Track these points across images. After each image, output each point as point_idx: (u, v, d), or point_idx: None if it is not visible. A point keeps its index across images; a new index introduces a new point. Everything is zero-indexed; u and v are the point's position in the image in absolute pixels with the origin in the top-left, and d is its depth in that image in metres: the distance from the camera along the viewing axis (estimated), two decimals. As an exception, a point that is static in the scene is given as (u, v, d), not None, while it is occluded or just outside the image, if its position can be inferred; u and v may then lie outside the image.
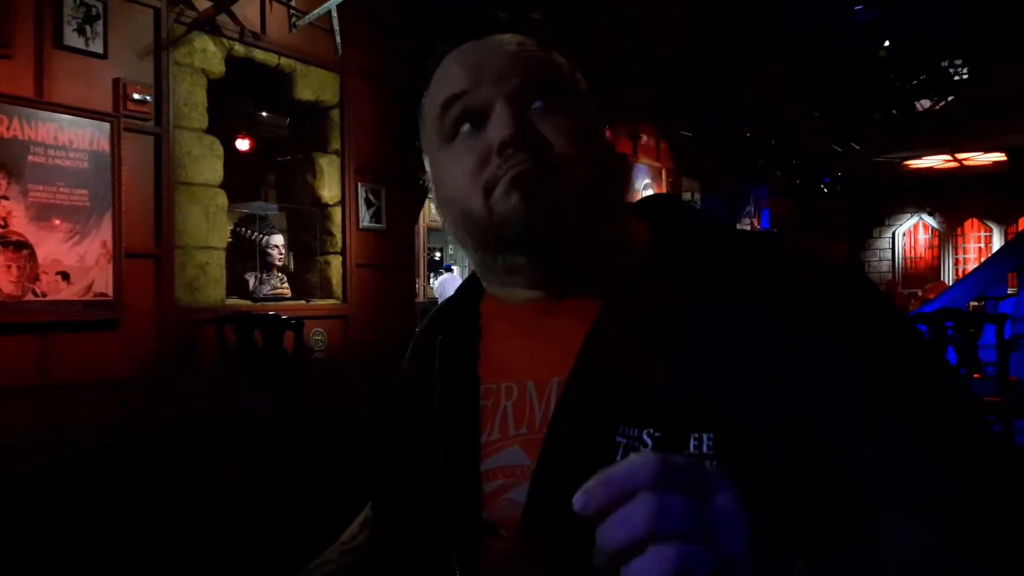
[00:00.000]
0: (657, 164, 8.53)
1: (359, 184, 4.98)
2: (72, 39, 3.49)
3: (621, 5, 5.11)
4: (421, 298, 8.79)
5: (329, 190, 4.88)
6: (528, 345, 0.81)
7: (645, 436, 0.68)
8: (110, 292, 3.58)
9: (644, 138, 8.21)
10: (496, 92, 0.76)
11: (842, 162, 9.46)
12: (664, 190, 8.27)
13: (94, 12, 3.56)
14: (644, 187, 8.18)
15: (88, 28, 3.54)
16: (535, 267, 0.79)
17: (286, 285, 4.87)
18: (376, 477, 0.95)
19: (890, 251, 15.00)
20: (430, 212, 10.08)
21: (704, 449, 0.65)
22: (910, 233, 15.08)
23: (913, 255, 15.18)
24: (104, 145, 3.57)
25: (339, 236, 4.92)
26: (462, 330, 0.87)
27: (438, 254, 12.46)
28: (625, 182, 0.85)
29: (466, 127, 0.78)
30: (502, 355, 0.83)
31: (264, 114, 6.47)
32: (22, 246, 3.28)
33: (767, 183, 10.48)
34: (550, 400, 0.76)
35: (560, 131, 0.75)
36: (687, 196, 8.66)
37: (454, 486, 0.78)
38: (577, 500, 0.47)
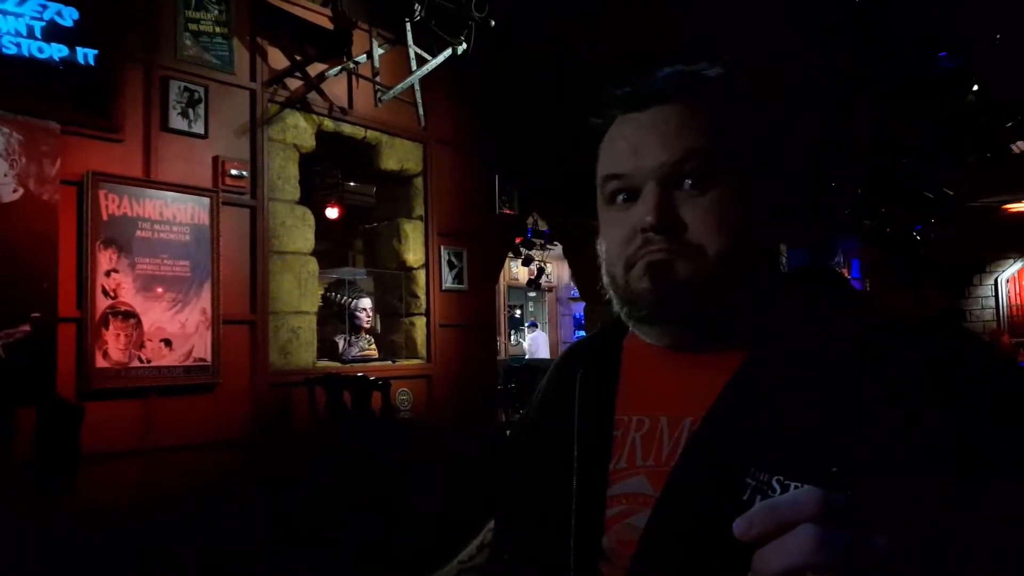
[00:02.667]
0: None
1: (442, 247, 5.12)
2: (176, 122, 3.76)
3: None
4: (503, 355, 8.86)
5: (414, 253, 5.03)
6: (665, 384, 0.85)
7: (774, 482, 0.70)
8: (208, 357, 3.75)
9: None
10: (648, 173, 0.80)
11: (936, 209, 9.14)
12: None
13: (196, 96, 3.83)
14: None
15: (191, 111, 3.81)
16: (665, 338, 0.85)
17: (373, 346, 5.01)
18: (505, 498, 0.99)
19: (993, 299, 14.27)
20: (510, 271, 10.17)
21: None
22: (1014, 279, 14.34)
23: (1019, 302, 14.39)
24: (204, 218, 3.80)
25: (423, 297, 5.04)
26: (602, 365, 0.91)
27: (518, 311, 12.55)
28: (774, 255, 0.88)
29: (621, 198, 0.84)
30: (639, 390, 0.87)
31: (352, 184, 6.75)
32: (130, 316, 3.50)
33: (856, 233, 10.19)
34: (680, 437, 0.80)
35: (701, 215, 0.79)
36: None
37: (581, 509, 0.82)
38: (738, 525, 0.51)
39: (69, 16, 3.34)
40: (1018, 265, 14.06)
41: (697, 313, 0.80)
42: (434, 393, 4.97)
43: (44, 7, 3.28)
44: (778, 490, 0.69)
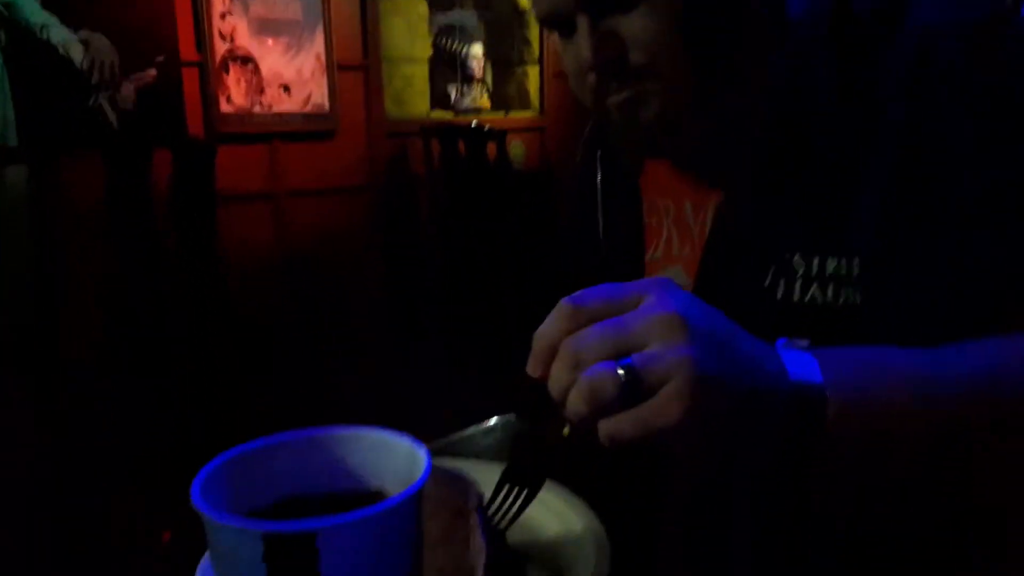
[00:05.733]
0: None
1: (557, -12, 4.78)
2: None
3: None
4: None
5: (527, -5, 4.73)
6: (688, 164, 0.80)
7: (796, 261, 0.68)
8: (326, 104, 3.77)
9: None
10: (572, 4, 0.68)
11: None
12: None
13: None
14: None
15: None
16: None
17: (486, 97, 4.90)
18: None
19: None
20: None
21: (855, 273, 0.65)
22: None
23: None
24: (312, -44, 3.63)
25: (535, 45, 4.81)
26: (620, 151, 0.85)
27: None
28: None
29: (560, 33, 0.73)
30: (663, 172, 0.82)
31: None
32: (247, 60, 3.49)
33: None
34: (706, 222, 0.76)
35: (640, 35, 0.68)
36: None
37: None
38: (528, 366, 0.51)
39: None
40: None
41: (680, 143, 0.73)
42: (546, 147, 4.90)
43: None
44: (801, 269, 0.67)
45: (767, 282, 0.69)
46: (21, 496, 2.20)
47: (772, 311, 0.69)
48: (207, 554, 0.67)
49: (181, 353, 2.88)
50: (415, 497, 0.40)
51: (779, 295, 0.69)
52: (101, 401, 2.63)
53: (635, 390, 0.46)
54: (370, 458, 0.46)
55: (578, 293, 0.50)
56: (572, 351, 0.48)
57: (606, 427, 0.48)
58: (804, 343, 0.55)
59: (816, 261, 0.67)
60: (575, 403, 0.48)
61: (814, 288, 0.67)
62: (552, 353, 0.50)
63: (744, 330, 0.53)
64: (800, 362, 0.52)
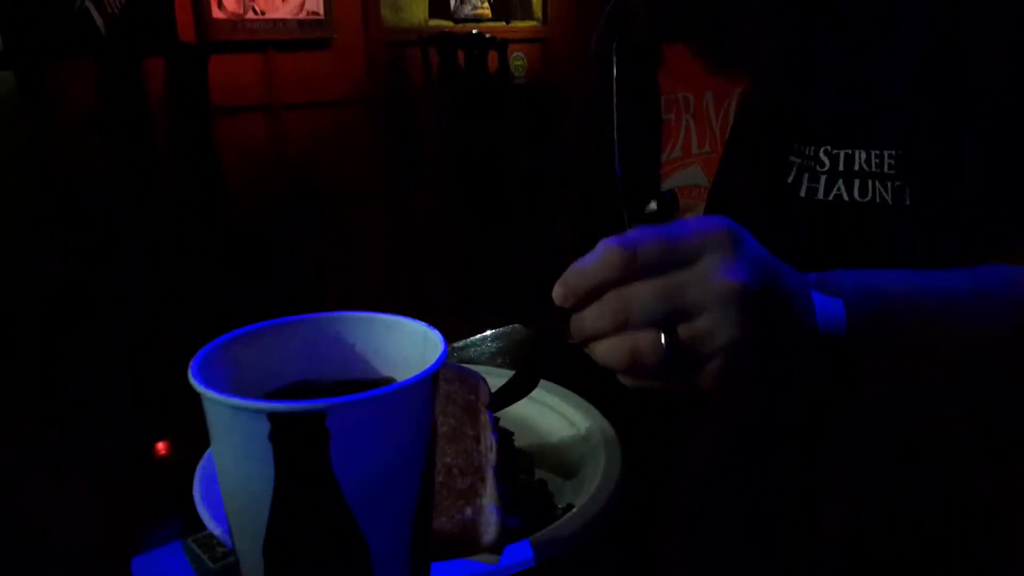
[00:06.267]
0: None
1: None
2: None
3: None
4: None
5: None
6: (708, 52, 0.75)
7: (822, 155, 0.64)
8: (321, 11, 3.64)
9: None
10: None
11: None
12: None
13: None
14: None
15: None
16: None
17: (486, 5, 4.73)
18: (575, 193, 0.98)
19: None
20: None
21: (885, 168, 0.62)
22: None
23: None
24: None
25: (540, -50, 4.62)
26: (640, 34, 0.80)
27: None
28: None
29: None
30: (683, 62, 0.77)
31: None
32: (239, -38, 3.35)
33: None
34: (728, 114, 0.72)
35: None
36: None
37: (632, 208, 0.77)
38: (556, 291, 0.48)
39: None
40: None
41: (704, 16, 0.70)
42: (549, 59, 4.76)
43: None
44: (827, 164, 0.63)
45: (790, 178, 0.66)
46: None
47: (795, 210, 0.66)
48: (207, 453, 0.65)
49: (180, 262, 2.86)
50: (430, 379, 0.37)
51: (802, 192, 0.66)
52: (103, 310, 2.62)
53: (675, 358, 0.45)
54: (383, 343, 0.43)
55: (630, 236, 0.46)
56: (619, 306, 0.45)
57: (634, 379, 0.47)
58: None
59: (843, 155, 0.63)
60: (608, 355, 0.47)
61: (839, 185, 0.64)
62: (591, 295, 0.47)
63: (796, 287, 0.50)
64: (829, 314, 0.50)
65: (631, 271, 0.45)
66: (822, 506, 0.64)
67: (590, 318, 0.47)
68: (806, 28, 0.65)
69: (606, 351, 0.47)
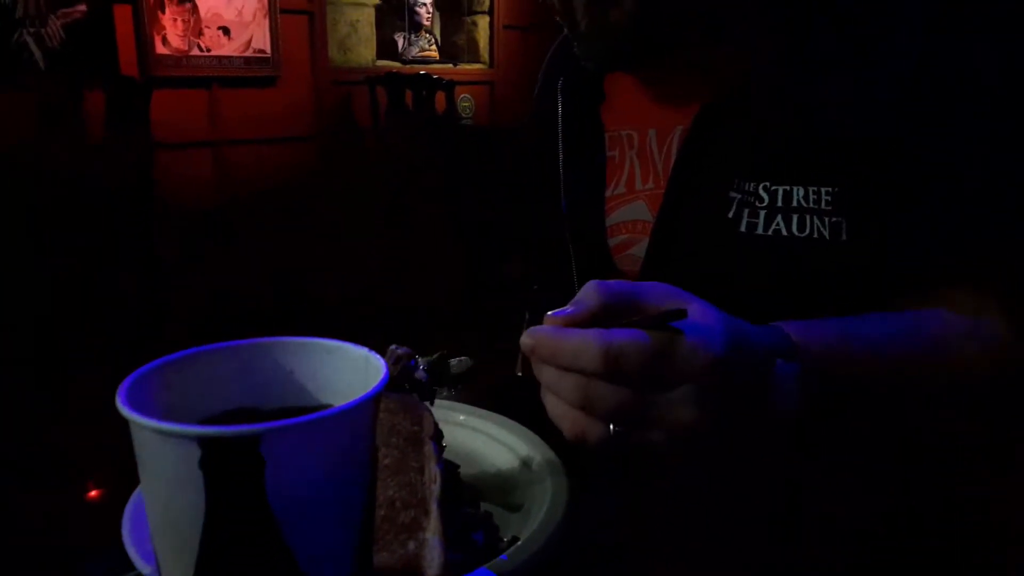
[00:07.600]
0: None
1: (509, -65, 4.67)
2: None
3: None
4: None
5: (477, -58, 4.61)
6: (651, 92, 0.77)
7: (761, 190, 0.65)
8: (268, 48, 3.63)
9: None
10: None
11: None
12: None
13: None
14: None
15: None
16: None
17: (434, 47, 4.78)
18: (519, 229, 0.99)
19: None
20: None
21: (823, 204, 0.63)
22: None
23: None
24: None
25: (487, -7, 4.71)
26: (584, 72, 0.81)
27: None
28: None
29: None
30: (626, 100, 0.79)
31: None
32: (185, 0, 3.33)
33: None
34: (671, 151, 0.73)
35: None
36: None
37: (577, 241, 0.79)
38: (525, 344, 0.46)
39: None
40: None
41: (648, 50, 0.71)
42: (497, 101, 4.82)
43: None
44: (766, 199, 0.65)
45: (731, 213, 0.67)
46: None
47: (736, 245, 0.66)
48: (137, 490, 0.62)
49: (111, 295, 2.77)
50: (370, 404, 0.36)
51: (743, 227, 0.67)
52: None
53: (619, 450, 0.46)
54: (323, 369, 0.42)
55: (616, 336, 0.44)
56: (581, 394, 0.45)
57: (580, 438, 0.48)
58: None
59: (782, 191, 0.65)
60: (556, 418, 0.47)
61: (779, 220, 0.65)
62: (560, 369, 0.46)
63: (768, 376, 0.49)
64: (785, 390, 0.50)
65: (606, 374, 0.44)
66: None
67: (550, 380, 0.46)
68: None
69: (556, 413, 0.47)
